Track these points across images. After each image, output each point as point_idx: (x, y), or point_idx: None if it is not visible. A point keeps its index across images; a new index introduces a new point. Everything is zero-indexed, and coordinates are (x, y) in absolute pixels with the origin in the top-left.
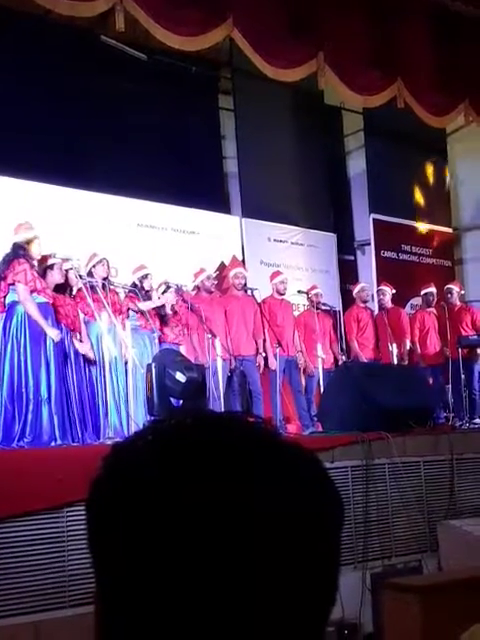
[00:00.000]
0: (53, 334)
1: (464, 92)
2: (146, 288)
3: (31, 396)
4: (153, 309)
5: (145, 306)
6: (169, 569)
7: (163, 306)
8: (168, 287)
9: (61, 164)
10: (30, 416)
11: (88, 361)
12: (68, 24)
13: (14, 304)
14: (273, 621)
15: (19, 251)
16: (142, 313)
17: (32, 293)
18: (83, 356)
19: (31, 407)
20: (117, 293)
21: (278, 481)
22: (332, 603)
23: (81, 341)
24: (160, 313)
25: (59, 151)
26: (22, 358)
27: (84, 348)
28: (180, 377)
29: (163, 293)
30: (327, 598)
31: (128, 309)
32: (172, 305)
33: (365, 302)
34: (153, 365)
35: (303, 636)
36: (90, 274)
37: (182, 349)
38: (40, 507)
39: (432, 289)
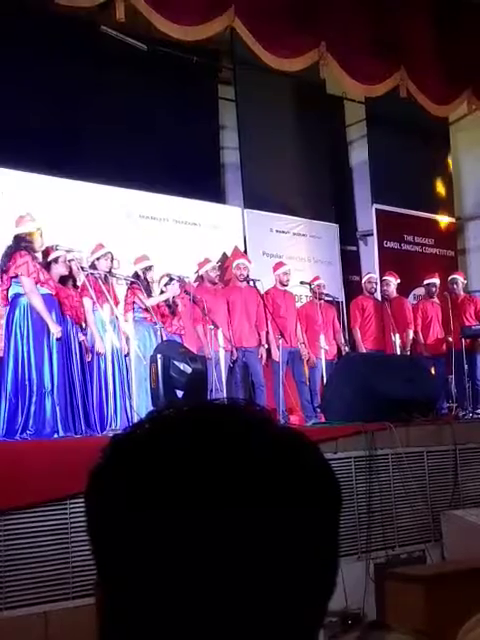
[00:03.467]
0: (55, 330)
1: (467, 81)
2: (149, 280)
3: (34, 388)
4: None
5: (152, 302)
6: (168, 557)
7: (167, 298)
8: (171, 279)
9: (61, 155)
10: (33, 408)
11: (98, 354)
12: (68, 14)
13: (17, 296)
14: (272, 608)
15: (21, 243)
16: (145, 307)
17: (36, 285)
18: (93, 351)
19: (34, 399)
20: (120, 285)
21: (274, 467)
22: (332, 589)
23: (84, 334)
24: (167, 303)
25: (59, 142)
26: (25, 350)
27: (99, 345)
28: (185, 368)
29: (166, 285)
30: (326, 585)
31: (133, 302)
32: (173, 297)
33: (371, 292)
34: (158, 356)
35: (303, 625)
36: (93, 266)
37: (183, 341)
38: (44, 499)
39: (435, 279)
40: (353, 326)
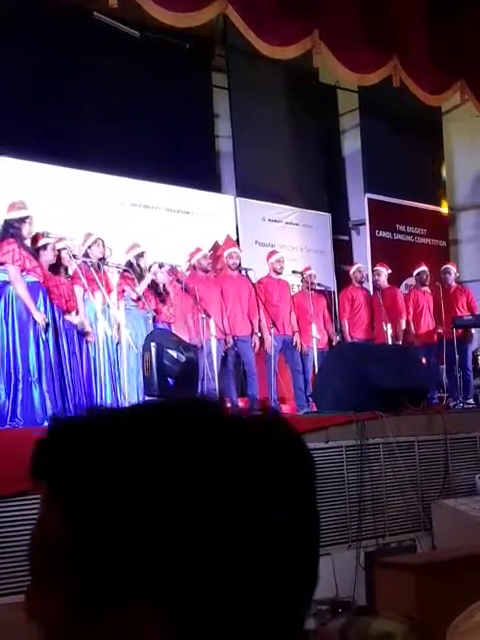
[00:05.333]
0: (39, 318)
1: (460, 71)
2: (141, 267)
3: (20, 377)
4: (148, 289)
5: (139, 289)
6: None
7: (157, 285)
8: (161, 266)
9: (53, 142)
10: (20, 396)
11: (83, 334)
12: (61, 1)
13: (4, 284)
14: (253, 598)
15: (9, 230)
16: (138, 296)
17: (22, 272)
18: (78, 329)
19: (21, 387)
20: (111, 273)
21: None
22: (315, 580)
23: (77, 313)
24: (155, 292)
25: (51, 129)
26: (10, 338)
27: (77, 319)
28: (179, 357)
29: (156, 273)
30: (307, 578)
31: (123, 291)
32: (164, 285)
33: (360, 282)
34: (152, 345)
35: (288, 614)
36: (86, 254)
37: (174, 329)
38: (33, 487)
39: (424, 268)
40: (342, 317)
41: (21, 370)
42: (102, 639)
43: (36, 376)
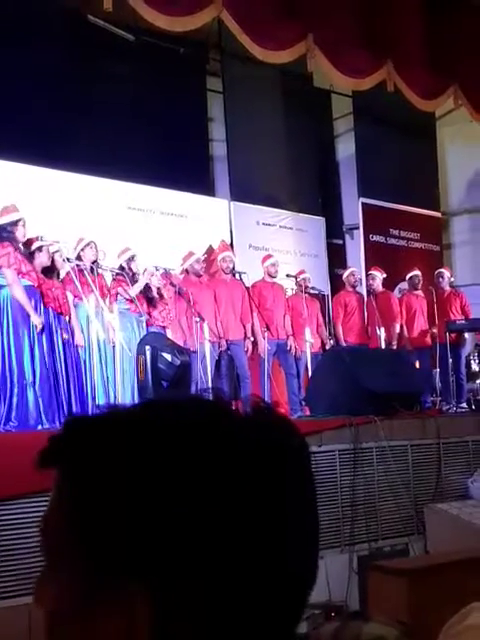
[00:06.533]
0: (37, 321)
1: (454, 76)
2: (134, 270)
3: (15, 379)
4: (140, 293)
5: (132, 292)
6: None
7: (150, 289)
8: (156, 270)
9: (46, 145)
10: (15, 399)
11: (77, 347)
12: (55, 3)
13: None
14: (246, 595)
15: (3, 234)
16: (131, 299)
17: (18, 276)
18: (72, 342)
19: (16, 390)
20: (104, 276)
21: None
22: (312, 581)
23: (71, 327)
24: (147, 296)
25: (45, 132)
26: (5, 342)
27: (78, 338)
28: (174, 360)
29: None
30: (306, 577)
31: (116, 294)
32: (158, 288)
33: (354, 286)
34: (147, 348)
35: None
36: (79, 257)
37: (169, 333)
38: (29, 490)
39: (417, 272)
40: (336, 322)
41: (16, 373)
42: (99, 625)
43: (31, 379)
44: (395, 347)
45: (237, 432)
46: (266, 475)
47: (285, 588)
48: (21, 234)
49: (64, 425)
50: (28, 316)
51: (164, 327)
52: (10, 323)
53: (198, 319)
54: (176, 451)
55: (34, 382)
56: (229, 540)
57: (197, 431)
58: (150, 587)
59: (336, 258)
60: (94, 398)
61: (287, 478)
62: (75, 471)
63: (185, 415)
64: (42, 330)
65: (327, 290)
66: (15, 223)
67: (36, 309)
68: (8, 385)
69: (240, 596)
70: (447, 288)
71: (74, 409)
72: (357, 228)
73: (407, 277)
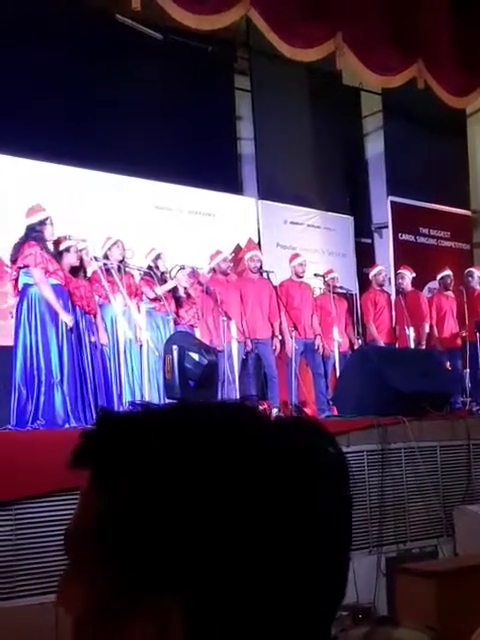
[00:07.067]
0: (67, 319)
1: None
2: (161, 269)
3: (43, 378)
4: (168, 291)
5: (160, 290)
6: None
7: (177, 289)
8: (181, 269)
9: (76, 145)
10: (42, 398)
11: (102, 345)
12: (83, 3)
13: (26, 287)
14: (278, 601)
15: (31, 234)
16: (158, 298)
17: (45, 275)
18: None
19: (43, 389)
20: (132, 275)
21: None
22: (344, 584)
23: (96, 325)
24: (175, 295)
25: (74, 132)
26: (34, 340)
27: (102, 337)
28: (201, 360)
29: (175, 275)
30: (338, 582)
31: (142, 293)
32: (185, 288)
33: (381, 285)
34: (174, 347)
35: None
36: (106, 256)
37: (196, 332)
38: (55, 489)
39: (449, 272)
40: (367, 320)
41: (44, 372)
42: (127, 629)
43: (59, 378)
44: (424, 347)
45: (269, 437)
46: (295, 480)
47: (316, 593)
48: (49, 233)
49: (98, 422)
50: (56, 315)
51: (192, 326)
52: (38, 322)
53: (225, 318)
54: (213, 458)
55: (62, 381)
56: (260, 546)
57: (233, 439)
58: (182, 596)
59: (364, 257)
60: (120, 397)
61: (317, 483)
62: (108, 475)
63: (220, 420)
64: (71, 329)
65: (355, 289)
66: (42, 222)
67: (65, 308)
68: (36, 384)
69: (271, 601)
70: (477, 287)
71: (97, 409)
72: (385, 227)
73: (438, 277)
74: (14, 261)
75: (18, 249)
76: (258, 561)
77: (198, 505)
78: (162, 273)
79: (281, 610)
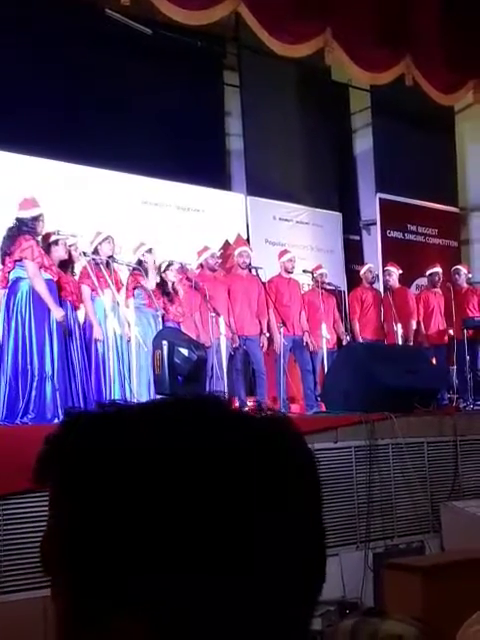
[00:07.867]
0: (58, 315)
1: (473, 70)
2: (149, 263)
3: (35, 372)
4: (157, 287)
5: (149, 284)
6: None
7: (166, 284)
8: (170, 264)
9: (64, 139)
10: (34, 392)
11: (96, 341)
12: None
13: (18, 280)
14: (255, 601)
15: (24, 227)
16: (148, 293)
17: (39, 269)
18: (91, 336)
19: (35, 383)
20: (121, 271)
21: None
22: (321, 581)
23: (90, 321)
24: (164, 291)
25: (62, 126)
26: (26, 334)
27: (97, 332)
28: (191, 355)
29: (164, 271)
30: (314, 578)
31: (134, 288)
32: (173, 283)
33: (371, 283)
34: (163, 343)
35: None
36: (95, 251)
37: (182, 328)
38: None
39: (437, 269)
40: (352, 318)
41: (37, 366)
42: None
43: (50, 372)
44: (412, 344)
45: (229, 441)
46: (268, 486)
47: (286, 597)
48: (41, 228)
49: (63, 425)
50: (48, 309)
51: (179, 322)
52: (31, 316)
53: (213, 314)
54: (182, 469)
55: (52, 375)
56: (238, 553)
57: (202, 444)
58: (145, 611)
59: (353, 254)
60: (110, 392)
61: (288, 483)
62: (72, 488)
63: (189, 426)
64: (61, 323)
65: (343, 286)
66: (36, 218)
67: (56, 303)
68: (28, 378)
69: (241, 613)
70: (464, 285)
71: (90, 403)
72: (374, 224)
73: (427, 274)
74: (9, 254)
75: (13, 241)
76: (233, 564)
77: (156, 512)
78: (150, 267)
79: (250, 621)
